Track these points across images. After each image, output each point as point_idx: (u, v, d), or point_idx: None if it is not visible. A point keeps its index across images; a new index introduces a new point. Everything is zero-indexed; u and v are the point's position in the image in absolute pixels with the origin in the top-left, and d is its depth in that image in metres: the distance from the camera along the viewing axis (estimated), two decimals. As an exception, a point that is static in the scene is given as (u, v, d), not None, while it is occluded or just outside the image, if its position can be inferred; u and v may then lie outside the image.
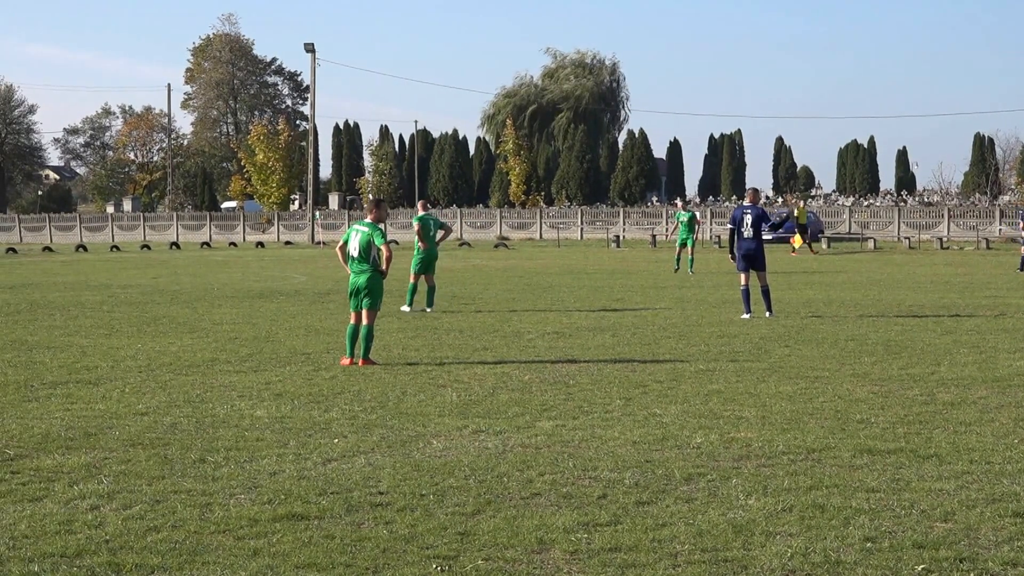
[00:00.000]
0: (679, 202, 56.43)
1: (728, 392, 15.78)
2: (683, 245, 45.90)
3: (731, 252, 26.86)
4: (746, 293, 26.43)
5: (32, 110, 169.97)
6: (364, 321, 18.87)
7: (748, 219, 26.29)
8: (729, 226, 26.81)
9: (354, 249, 19.00)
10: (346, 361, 18.83)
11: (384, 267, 18.92)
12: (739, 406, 14.67)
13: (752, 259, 26.30)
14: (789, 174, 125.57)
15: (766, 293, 26.59)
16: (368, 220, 19.37)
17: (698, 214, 51.01)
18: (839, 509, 9.73)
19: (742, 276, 26.47)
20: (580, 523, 9.38)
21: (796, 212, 66.54)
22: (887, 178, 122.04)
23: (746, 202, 26.99)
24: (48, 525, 9.39)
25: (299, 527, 9.32)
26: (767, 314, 26.29)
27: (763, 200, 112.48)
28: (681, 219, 46.25)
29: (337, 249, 19.80)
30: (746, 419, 13.79)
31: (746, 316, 26.14)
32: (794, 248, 64.22)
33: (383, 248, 18.85)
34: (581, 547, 8.78)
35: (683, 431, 13.05)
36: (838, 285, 37.86)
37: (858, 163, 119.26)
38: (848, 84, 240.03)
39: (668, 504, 9.95)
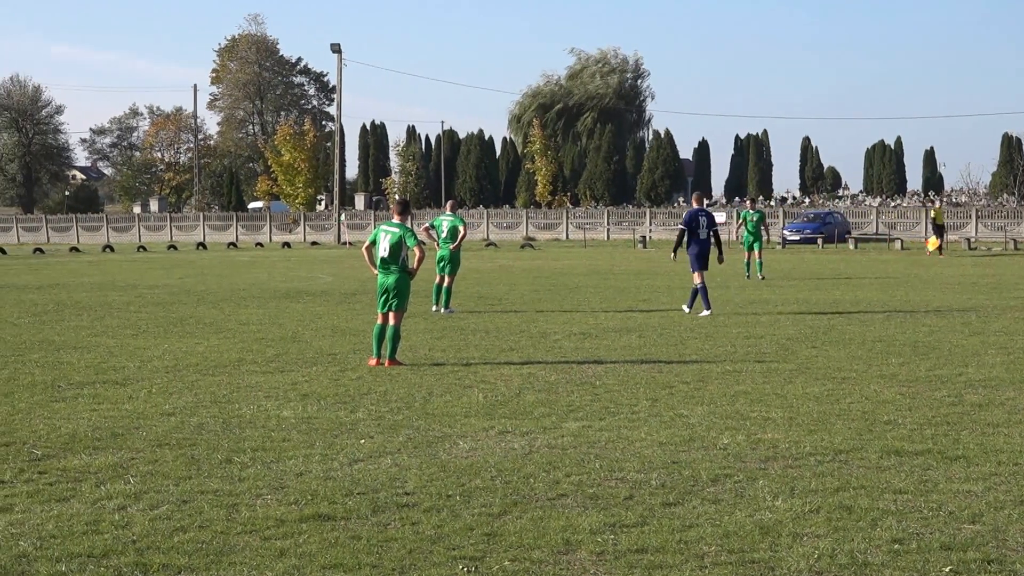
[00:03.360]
0: (748, 200, 50.75)
1: (755, 393, 15.74)
2: (750, 248, 42.03)
3: (675, 251, 28.34)
4: (704, 290, 27.35)
5: (59, 110, 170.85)
6: (391, 322, 18.87)
7: (704, 221, 27.75)
8: (681, 227, 28.04)
9: (384, 250, 18.98)
10: (373, 362, 18.84)
11: (415, 267, 18.92)
12: (766, 407, 14.63)
13: (705, 258, 27.57)
14: (816, 174, 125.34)
15: (695, 292, 27.62)
16: (396, 220, 19.36)
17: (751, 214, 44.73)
18: (866, 510, 9.70)
19: (696, 275, 27.41)
20: (606, 524, 9.36)
21: (934, 213, 64.70)
22: (914, 179, 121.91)
23: (695, 205, 28.48)
24: (75, 525, 9.42)
25: (325, 528, 9.33)
26: (686, 308, 27.75)
27: (790, 201, 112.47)
28: (748, 218, 42.73)
29: (363, 250, 19.78)
30: (773, 420, 13.76)
31: (706, 313, 27.00)
32: (939, 250, 61.86)
33: (415, 249, 18.84)
34: (608, 548, 8.77)
35: (710, 432, 13.03)
36: (865, 286, 37.73)
37: (885, 164, 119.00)
38: (875, 84, 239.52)
39: (695, 505, 9.93)
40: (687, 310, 27.62)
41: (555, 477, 10.94)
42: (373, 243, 19.24)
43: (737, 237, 42.67)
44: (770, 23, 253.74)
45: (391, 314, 18.89)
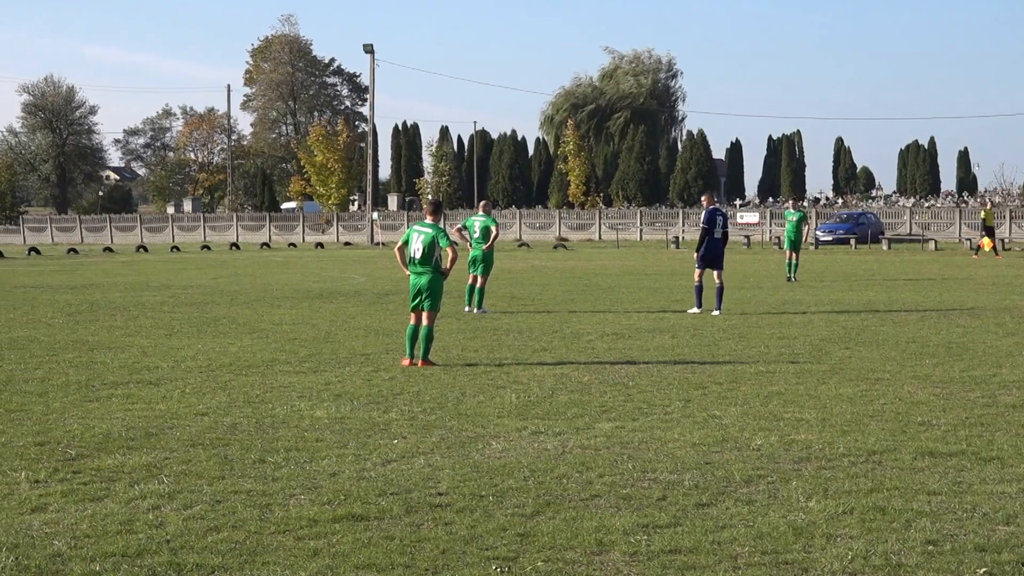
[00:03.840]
0: (790, 201, 48.99)
1: (788, 394, 15.69)
2: (792, 248, 41.04)
3: (698, 251, 28.20)
4: (699, 290, 27.84)
5: (93, 111, 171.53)
6: (424, 322, 18.88)
7: (720, 220, 28.09)
8: (704, 226, 28.11)
9: (416, 251, 18.98)
10: (406, 362, 18.85)
11: (448, 267, 18.92)
12: (799, 408, 14.59)
13: (716, 259, 27.85)
14: (849, 175, 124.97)
15: (721, 292, 27.79)
16: (429, 221, 19.36)
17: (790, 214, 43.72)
18: (900, 512, 9.66)
19: (697, 273, 27.85)
20: (639, 525, 9.35)
21: (984, 214, 64.33)
22: (948, 179, 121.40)
23: (708, 204, 28.48)
24: (109, 525, 9.45)
25: (359, 528, 9.34)
26: (715, 312, 27.52)
27: (823, 201, 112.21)
28: (789, 218, 41.98)
29: (395, 250, 19.77)
30: (806, 421, 13.72)
31: (696, 311, 27.48)
32: (996, 251, 61.22)
33: (448, 250, 18.84)
34: (641, 549, 8.76)
35: (743, 433, 13.00)
36: (899, 287, 37.61)
37: (919, 164, 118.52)
38: (909, 84, 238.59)
39: (728, 506, 9.91)
40: (696, 311, 27.74)
41: (588, 478, 10.93)
42: (405, 243, 19.23)
43: (779, 237, 41.31)
44: (802, 23, 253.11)
45: (424, 314, 18.90)
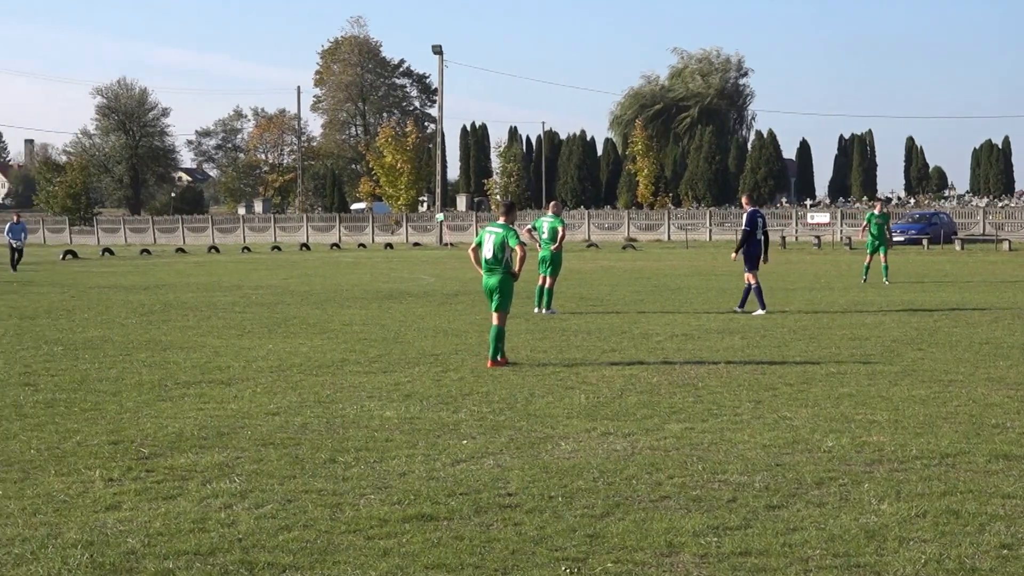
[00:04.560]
0: (877, 202, 45.96)
1: (859, 395, 15.59)
2: (873, 252, 39.82)
3: (737, 251, 28.76)
4: (759, 290, 28.03)
5: (165, 113, 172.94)
6: (494, 322, 18.92)
7: (760, 222, 28.48)
8: (747, 228, 28.44)
9: (488, 251, 19.04)
10: (490, 363, 18.85)
11: (517, 268, 18.93)
12: (871, 410, 14.49)
13: (755, 259, 28.23)
14: (921, 174, 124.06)
15: (748, 291, 28.27)
16: (501, 221, 19.40)
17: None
18: (974, 515, 9.57)
19: (750, 275, 28.19)
20: (709, 526, 9.32)
21: None
22: (1022, 178, 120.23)
23: (748, 206, 28.86)
24: (182, 523, 9.52)
25: (428, 528, 9.36)
26: (738, 309, 28.23)
27: (895, 201, 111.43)
28: (873, 220, 40.17)
29: (470, 251, 19.81)
30: (878, 423, 13.62)
31: (761, 312, 27.61)
32: None
33: (516, 248, 18.87)
34: (711, 550, 8.72)
35: (814, 434, 12.92)
36: (971, 287, 37.28)
37: (992, 163, 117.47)
38: (982, 83, 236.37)
39: (799, 508, 9.85)
40: (756, 311, 27.79)
41: (657, 479, 10.91)
42: (479, 245, 19.30)
43: (862, 239, 40.02)
44: (873, 22, 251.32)
45: (494, 314, 18.95)
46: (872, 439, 12.64)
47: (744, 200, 29.46)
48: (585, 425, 13.65)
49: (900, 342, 21.62)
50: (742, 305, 28.18)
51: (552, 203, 31.40)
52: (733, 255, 29.32)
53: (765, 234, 28.61)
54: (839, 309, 28.98)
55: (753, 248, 28.24)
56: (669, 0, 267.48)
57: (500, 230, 19.06)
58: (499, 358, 18.82)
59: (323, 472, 11.28)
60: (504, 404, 15.13)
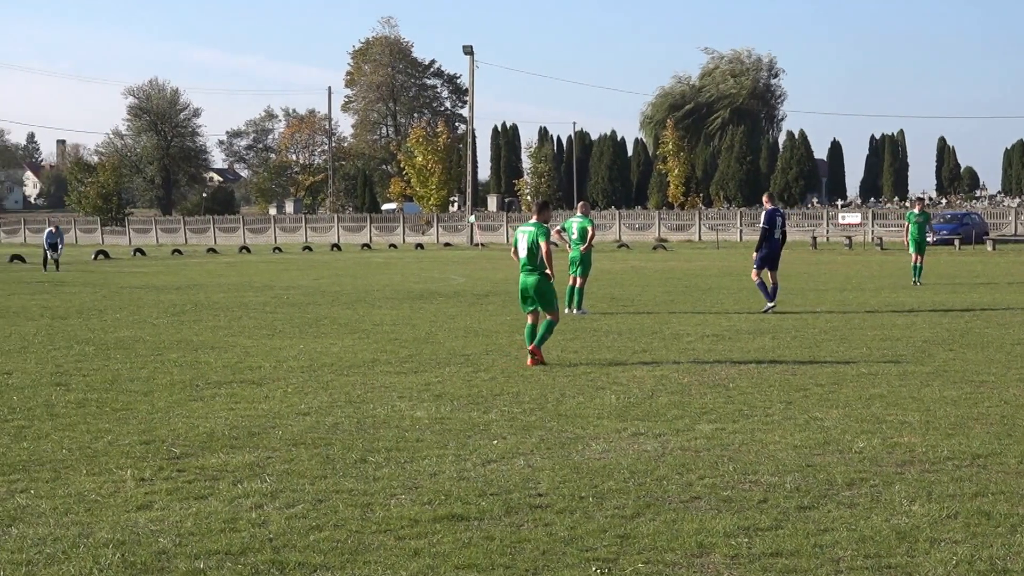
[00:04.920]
0: (917, 201, 44.71)
1: (891, 396, 15.54)
2: (918, 251, 39.35)
3: (758, 250, 28.77)
4: (763, 285, 28.47)
5: (197, 113, 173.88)
6: (547, 317, 19.00)
7: (779, 221, 28.64)
8: (765, 227, 28.59)
9: (523, 250, 19.10)
10: (530, 361, 18.87)
11: (547, 267, 18.94)
12: (902, 410, 14.44)
13: (774, 259, 28.51)
14: (952, 175, 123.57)
15: (776, 289, 28.53)
16: (533, 220, 19.44)
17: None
18: (1006, 516, 9.53)
19: (755, 272, 28.77)
20: (740, 527, 9.30)
21: None
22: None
23: (768, 205, 28.98)
24: (213, 523, 9.54)
25: (459, 528, 9.36)
26: (770, 304, 28.25)
27: (926, 201, 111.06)
28: (913, 220, 40.10)
29: (512, 254, 19.85)
30: (909, 424, 13.57)
31: (771, 305, 28.04)
32: None
33: (542, 245, 18.88)
34: (742, 551, 8.71)
35: (845, 435, 12.89)
36: (1003, 288, 37.12)
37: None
38: (1014, 83, 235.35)
39: (830, 509, 9.83)
40: (771, 304, 28.19)
41: (688, 479, 10.89)
42: (516, 247, 19.39)
43: (906, 243, 39.62)
44: (905, 22, 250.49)
45: (542, 313, 19.04)
46: (903, 440, 12.60)
47: (765, 199, 29.78)
48: (616, 425, 13.64)
49: (931, 343, 21.55)
50: (772, 298, 28.20)
51: (580, 203, 31.44)
52: (755, 254, 29.21)
53: (783, 233, 28.86)
54: (870, 309, 28.89)
55: (769, 248, 28.48)
56: (699, 0, 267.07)
57: (532, 228, 19.10)
58: (538, 353, 18.82)
59: (354, 472, 11.30)
60: (535, 404, 15.13)
